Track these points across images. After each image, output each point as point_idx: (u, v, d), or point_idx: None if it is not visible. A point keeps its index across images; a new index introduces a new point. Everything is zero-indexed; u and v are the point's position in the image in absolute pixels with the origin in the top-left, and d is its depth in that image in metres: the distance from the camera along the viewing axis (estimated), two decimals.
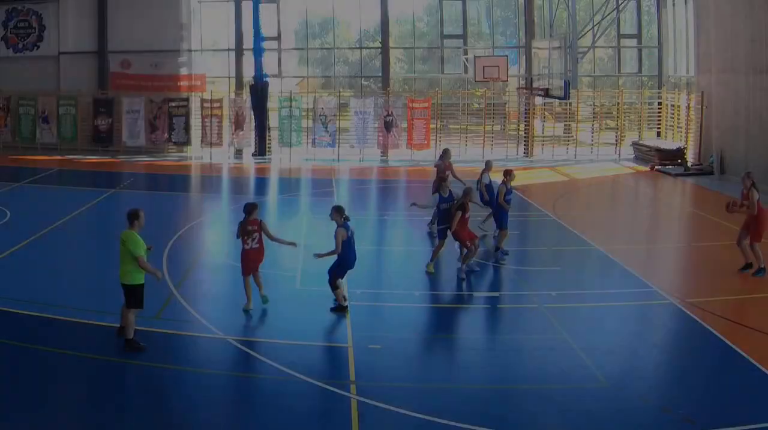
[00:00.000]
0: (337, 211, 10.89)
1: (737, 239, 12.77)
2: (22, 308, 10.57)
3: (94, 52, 29.43)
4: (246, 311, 10.76)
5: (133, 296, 9.25)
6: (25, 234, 15.05)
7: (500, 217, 13.96)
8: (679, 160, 25.58)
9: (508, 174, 14.06)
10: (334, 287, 10.85)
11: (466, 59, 28.50)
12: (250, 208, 10.91)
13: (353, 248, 10.94)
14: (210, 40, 30.73)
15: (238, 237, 10.90)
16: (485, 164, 15.98)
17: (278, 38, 29.82)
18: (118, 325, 9.52)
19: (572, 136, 29.14)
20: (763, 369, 8.79)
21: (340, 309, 10.82)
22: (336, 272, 10.89)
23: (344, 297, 10.96)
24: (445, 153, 16.54)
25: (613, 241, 15.81)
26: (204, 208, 19.73)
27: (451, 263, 13.05)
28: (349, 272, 11.22)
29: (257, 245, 10.87)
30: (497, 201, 13.98)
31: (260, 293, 11.02)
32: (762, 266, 12.59)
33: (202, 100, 28.76)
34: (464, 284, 12.34)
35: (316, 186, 23.03)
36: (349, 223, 10.92)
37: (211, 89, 29.49)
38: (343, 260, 10.85)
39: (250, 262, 10.85)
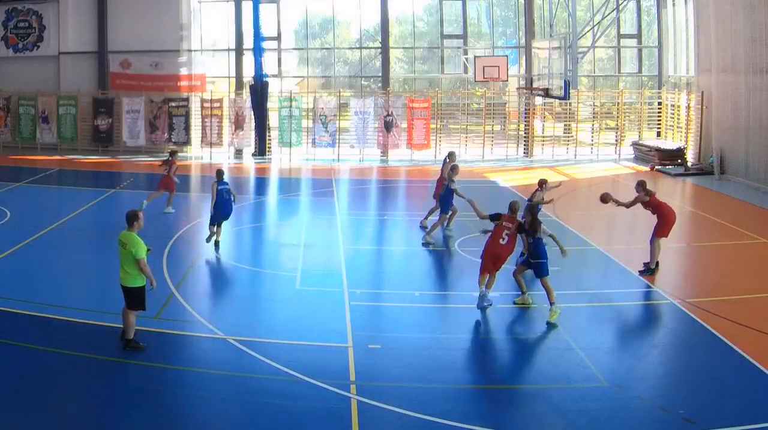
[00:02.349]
0: (219, 173, 14.83)
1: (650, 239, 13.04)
2: (22, 308, 10.57)
3: (94, 52, 29.44)
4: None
5: (134, 298, 9.24)
6: (25, 234, 15.06)
7: None
8: (679, 160, 25.60)
9: (544, 184, 14.31)
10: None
11: (466, 59, 28.50)
12: (172, 151, 18.60)
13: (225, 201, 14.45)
14: (210, 40, 30.73)
15: (160, 166, 18.24)
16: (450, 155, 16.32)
17: (278, 38, 29.85)
18: (121, 327, 9.50)
19: (572, 136, 29.14)
20: (763, 369, 8.80)
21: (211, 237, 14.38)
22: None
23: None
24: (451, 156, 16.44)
25: (613, 241, 15.82)
26: (204, 209, 19.70)
27: (451, 264, 13.03)
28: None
29: (166, 174, 17.83)
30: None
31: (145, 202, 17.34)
32: (651, 267, 12.77)
33: (202, 100, 28.77)
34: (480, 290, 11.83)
35: (316, 186, 23.02)
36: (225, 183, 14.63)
37: (211, 89, 29.50)
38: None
39: (165, 184, 17.81)
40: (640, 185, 13.09)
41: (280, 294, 12.05)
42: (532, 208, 11.50)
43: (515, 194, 20.99)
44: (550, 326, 10.37)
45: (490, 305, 10.97)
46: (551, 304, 10.58)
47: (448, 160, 16.29)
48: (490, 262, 11.00)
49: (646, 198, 12.87)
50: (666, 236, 12.97)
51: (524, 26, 29.04)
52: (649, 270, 12.74)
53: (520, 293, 11.38)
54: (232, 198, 14.60)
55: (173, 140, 28.97)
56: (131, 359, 9.07)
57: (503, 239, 10.96)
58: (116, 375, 8.69)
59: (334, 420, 7.70)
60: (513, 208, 11.21)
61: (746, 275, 12.97)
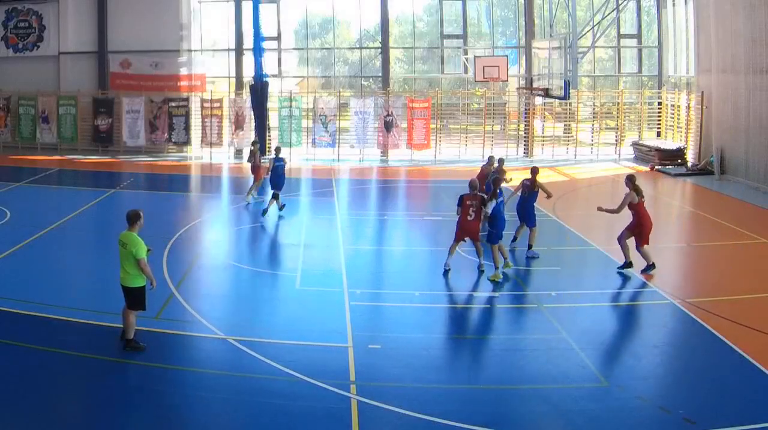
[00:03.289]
0: (277, 149, 18.42)
1: (619, 236, 12.85)
2: (22, 308, 10.57)
3: (94, 52, 29.45)
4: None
5: (135, 298, 9.23)
6: (25, 234, 15.06)
7: (532, 216, 14.38)
8: (680, 161, 25.61)
9: (537, 172, 14.63)
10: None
11: (466, 59, 28.50)
12: (253, 142, 20.31)
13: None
14: (210, 40, 30.74)
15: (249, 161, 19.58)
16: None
17: (278, 38, 29.85)
18: (121, 327, 9.50)
19: (572, 136, 29.14)
20: (763, 369, 8.79)
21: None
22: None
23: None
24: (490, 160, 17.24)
25: (613, 241, 15.80)
26: (204, 208, 19.74)
27: (450, 264, 13.02)
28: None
29: (257, 164, 19.12)
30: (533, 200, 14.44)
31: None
32: (649, 263, 12.61)
33: (202, 100, 28.78)
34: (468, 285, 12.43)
35: (316, 186, 23.02)
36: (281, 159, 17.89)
37: (211, 89, 29.50)
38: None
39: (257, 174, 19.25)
40: (630, 180, 12.82)
41: (280, 294, 12.06)
42: (497, 180, 13.20)
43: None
44: (490, 281, 12.31)
45: (448, 269, 12.66)
46: (496, 268, 12.43)
47: (488, 161, 17.10)
48: (462, 234, 12.74)
49: (636, 198, 12.54)
50: (648, 244, 12.67)
51: (524, 26, 29.05)
52: (649, 267, 12.67)
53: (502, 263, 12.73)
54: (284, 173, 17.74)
55: (173, 140, 29.00)
56: (131, 359, 9.07)
57: (470, 215, 12.54)
58: (116, 375, 8.69)
59: (334, 420, 7.69)
60: (472, 185, 12.70)
61: (746, 275, 12.96)
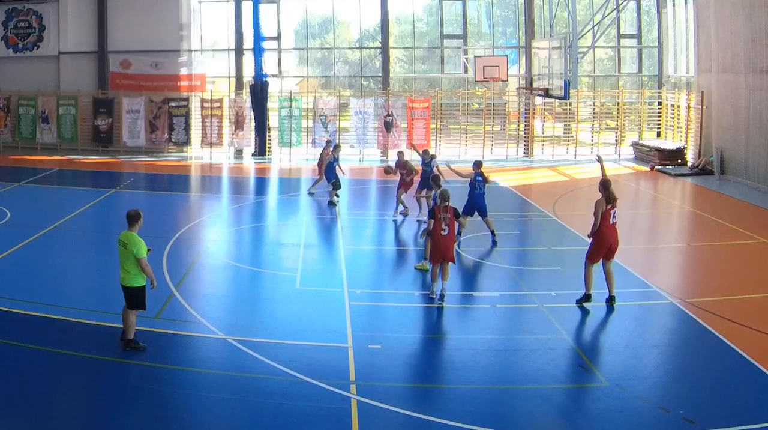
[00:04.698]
0: (336, 148, 19.54)
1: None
2: (22, 308, 10.58)
3: (94, 52, 29.45)
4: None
5: (135, 298, 9.23)
6: (25, 234, 15.06)
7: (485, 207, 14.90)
8: (679, 160, 25.61)
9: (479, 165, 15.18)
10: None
11: (466, 59, 28.50)
12: (327, 141, 21.54)
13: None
14: (210, 40, 30.75)
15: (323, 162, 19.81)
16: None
17: (278, 38, 29.85)
18: (122, 327, 9.49)
19: (572, 136, 29.14)
20: (763, 369, 8.79)
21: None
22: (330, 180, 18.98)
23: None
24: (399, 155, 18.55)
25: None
26: (204, 208, 19.74)
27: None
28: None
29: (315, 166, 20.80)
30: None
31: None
32: (588, 293, 11.09)
33: (202, 100, 28.78)
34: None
35: (317, 186, 22.98)
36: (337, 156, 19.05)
37: (211, 89, 29.50)
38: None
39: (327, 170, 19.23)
40: (603, 186, 11.12)
41: (280, 294, 12.05)
42: (435, 177, 13.87)
43: (515, 194, 21.01)
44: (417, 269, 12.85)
45: (441, 298, 11.28)
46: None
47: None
48: (438, 254, 11.35)
49: (604, 206, 10.93)
50: (597, 262, 11.12)
51: (524, 26, 29.04)
52: (586, 297, 11.16)
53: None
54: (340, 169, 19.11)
55: (173, 140, 29.00)
56: (131, 359, 9.07)
57: (444, 230, 11.29)
58: (116, 375, 8.68)
59: (334, 420, 7.69)
60: (444, 196, 11.46)
61: (746, 275, 12.96)
